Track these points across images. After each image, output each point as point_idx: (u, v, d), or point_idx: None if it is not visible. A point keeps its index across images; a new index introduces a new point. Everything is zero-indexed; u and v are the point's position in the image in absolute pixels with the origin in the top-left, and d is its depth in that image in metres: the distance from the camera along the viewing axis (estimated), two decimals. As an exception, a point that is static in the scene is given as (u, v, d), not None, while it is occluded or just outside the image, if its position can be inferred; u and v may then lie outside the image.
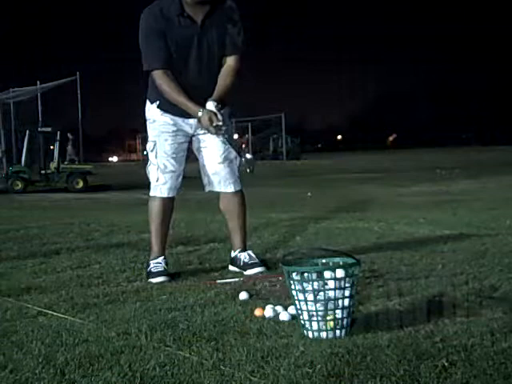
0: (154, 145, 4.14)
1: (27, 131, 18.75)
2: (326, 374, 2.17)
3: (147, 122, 4.20)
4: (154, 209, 4.17)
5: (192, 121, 4.06)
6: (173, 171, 4.13)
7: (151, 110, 4.16)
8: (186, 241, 5.47)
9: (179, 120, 4.07)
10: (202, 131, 4.07)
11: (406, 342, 2.47)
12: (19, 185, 17.65)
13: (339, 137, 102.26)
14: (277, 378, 2.16)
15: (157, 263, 4.05)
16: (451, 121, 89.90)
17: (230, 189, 4.20)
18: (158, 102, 4.09)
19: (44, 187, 17.94)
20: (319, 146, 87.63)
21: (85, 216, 8.53)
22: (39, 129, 19.25)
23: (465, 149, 44.19)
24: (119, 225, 6.91)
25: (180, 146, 4.14)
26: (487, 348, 2.38)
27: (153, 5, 3.98)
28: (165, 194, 4.14)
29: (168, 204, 4.17)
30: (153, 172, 4.15)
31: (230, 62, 4.01)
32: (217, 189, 4.19)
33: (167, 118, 4.10)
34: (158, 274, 3.96)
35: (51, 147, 18.99)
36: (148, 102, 4.19)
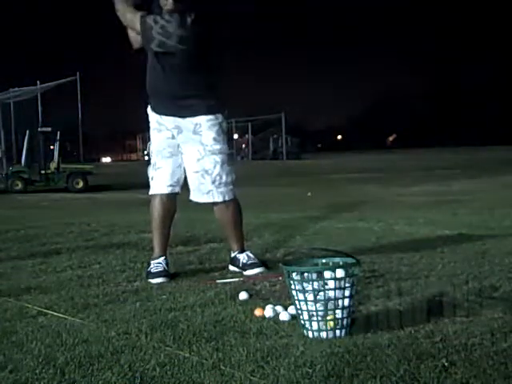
0: (150, 144, 4.23)
1: (27, 131, 18.75)
2: (326, 374, 2.17)
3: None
4: (153, 207, 4.18)
5: (170, 118, 4.09)
6: (160, 168, 4.14)
7: (148, 112, 4.24)
8: (186, 241, 5.47)
9: (161, 117, 4.12)
10: (181, 139, 4.09)
11: (406, 342, 2.47)
12: (19, 185, 17.66)
13: (339, 137, 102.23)
14: (277, 378, 2.16)
15: (157, 263, 4.05)
16: (451, 120, 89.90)
17: (203, 199, 4.14)
18: (150, 104, 4.19)
19: (44, 187, 17.94)
20: (319, 146, 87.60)
21: (85, 216, 8.53)
22: (39, 129, 19.24)
23: (465, 148, 44.20)
24: (119, 225, 6.91)
25: (166, 141, 4.14)
26: (487, 348, 2.38)
27: None
28: (158, 191, 4.15)
29: (166, 203, 4.15)
30: (149, 170, 4.22)
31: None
32: (190, 197, 4.20)
33: (154, 116, 4.17)
34: (158, 274, 3.95)
35: (51, 147, 18.98)
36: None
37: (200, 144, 4.06)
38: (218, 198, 4.11)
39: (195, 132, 4.06)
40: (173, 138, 4.13)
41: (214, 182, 4.08)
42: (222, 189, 4.09)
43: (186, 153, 4.12)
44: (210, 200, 4.13)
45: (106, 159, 64.88)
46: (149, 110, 4.22)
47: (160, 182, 4.15)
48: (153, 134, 4.19)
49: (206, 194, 4.11)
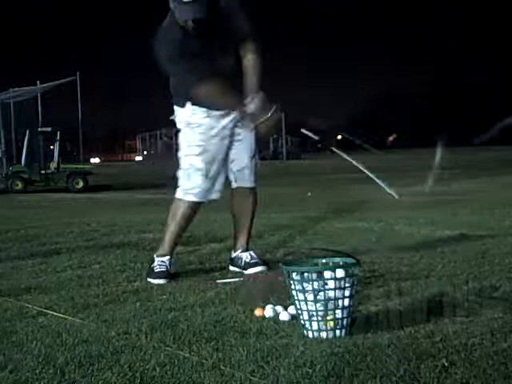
0: (203, 149, 4.00)
1: (27, 131, 18.76)
2: (325, 374, 2.17)
3: (188, 128, 4.03)
4: (180, 209, 4.09)
5: (229, 113, 4.02)
6: (215, 175, 4.06)
7: (190, 115, 4.01)
8: (186, 241, 5.45)
9: (217, 115, 3.99)
10: (238, 127, 4.07)
11: (406, 342, 2.47)
12: (19, 185, 17.68)
13: (339, 137, 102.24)
14: (277, 378, 2.16)
15: (161, 262, 4.02)
16: (451, 120, 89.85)
17: (252, 184, 4.22)
18: (190, 101, 3.97)
19: (44, 187, 17.95)
20: (319, 146, 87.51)
21: (85, 216, 8.53)
22: (39, 129, 19.25)
23: (465, 148, 44.18)
24: (119, 225, 6.90)
25: (221, 145, 4.06)
26: (487, 348, 2.38)
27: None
28: (202, 198, 4.09)
29: (196, 208, 4.14)
30: (195, 176, 4.02)
31: (247, 51, 3.92)
32: (243, 183, 4.18)
33: (212, 122, 3.98)
34: (160, 274, 3.94)
35: (51, 147, 19.00)
36: (178, 108, 4.08)
37: (250, 132, 4.12)
38: (256, 183, 4.25)
39: (246, 121, 4.05)
40: (225, 135, 4.05)
41: (254, 169, 4.22)
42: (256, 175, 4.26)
43: (244, 139, 4.13)
44: (254, 184, 4.23)
45: (95, 160, 61.87)
46: (197, 112, 3.99)
47: (208, 190, 4.05)
48: (213, 141, 4.01)
49: (255, 179, 4.22)
